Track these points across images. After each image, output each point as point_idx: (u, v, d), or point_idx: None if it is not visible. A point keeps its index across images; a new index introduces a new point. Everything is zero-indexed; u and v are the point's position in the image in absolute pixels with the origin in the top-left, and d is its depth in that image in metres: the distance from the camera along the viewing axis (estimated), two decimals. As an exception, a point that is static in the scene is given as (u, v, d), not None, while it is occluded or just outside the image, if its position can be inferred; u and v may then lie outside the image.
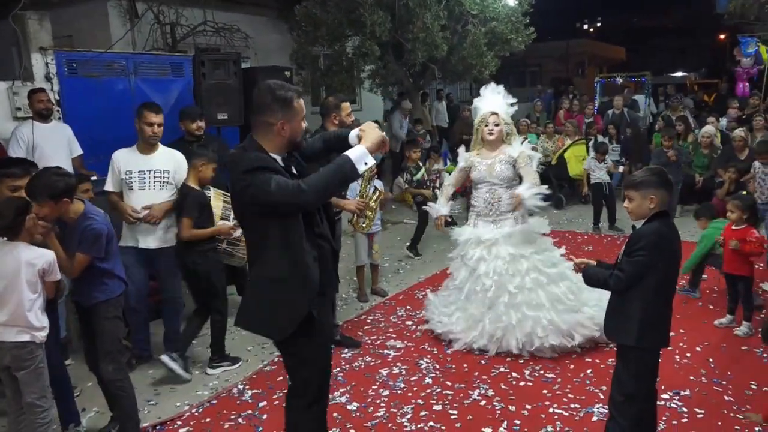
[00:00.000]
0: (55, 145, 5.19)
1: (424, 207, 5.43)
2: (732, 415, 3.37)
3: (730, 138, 7.97)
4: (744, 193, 5.35)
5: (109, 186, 4.09)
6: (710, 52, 30.00)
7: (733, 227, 4.49)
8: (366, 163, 2.37)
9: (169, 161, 4.14)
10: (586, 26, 40.74)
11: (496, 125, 4.31)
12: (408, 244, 6.97)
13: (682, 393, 3.61)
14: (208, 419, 3.54)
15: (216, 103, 5.75)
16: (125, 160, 4.05)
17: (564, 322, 4.07)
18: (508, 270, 4.15)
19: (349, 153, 2.36)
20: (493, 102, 4.42)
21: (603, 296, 4.07)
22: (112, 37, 7.74)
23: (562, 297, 4.16)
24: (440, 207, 4.55)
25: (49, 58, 5.89)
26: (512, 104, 4.48)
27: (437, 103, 13.38)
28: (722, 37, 24.18)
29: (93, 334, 3.20)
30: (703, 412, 3.41)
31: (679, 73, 24.85)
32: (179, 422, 3.52)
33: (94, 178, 4.75)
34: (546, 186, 4.36)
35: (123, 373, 3.25)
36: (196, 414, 3.61)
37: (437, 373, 4.00)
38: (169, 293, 4.27)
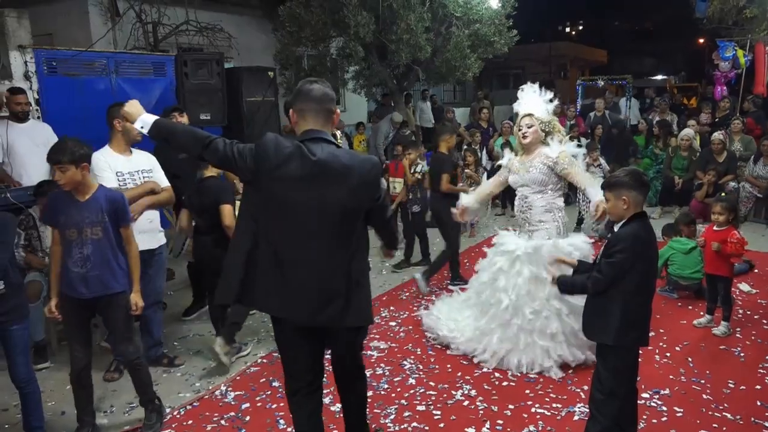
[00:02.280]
0: (32, 145, 5.08)
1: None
2: (710, 413, 3.42)
3: (709, 141, 8.10)
4: (723, 194, 5.46)
5: (112, 183, 3.76)
6: (690, 56, 30.45)
7: (715, 228, 4.56)
8: None
9: (148, 160, 4.02)
10: (568, 29, 41.15)
11: (530, 127, 4.04)
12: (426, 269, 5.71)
13: (662, 392, 3.66)
14: (190, 421, 3.51)
15: (199, 104, 5.73)
16: (113, 161, 3.83)
17: (573, 356, 3.86)
18: (528, 292, 3.87)
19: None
20: (529, 102, 4.17)
21: None
22: (93, 35, 7.67)
23: (579, 332, 3.60)
24: (467, 198, 4.42)
25: (28, 57, 5.82)
26: (551, 100, 4.19)
27: (422, 103, 13.42)
28: (701, 41, 24.53)
29: (87, 328, 3.29)
30: (682, 410, 3.45)
31: (659, 77, 25.20)
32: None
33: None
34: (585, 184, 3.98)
35: (139, 350, 3.46)
36: (178, 416, 3.58)
37: (421, 373, 4.01)
38: (157, 296, 4.17)
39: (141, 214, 3.87)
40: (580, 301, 3.73)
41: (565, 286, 2.84)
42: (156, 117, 2.62)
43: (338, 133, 6.76)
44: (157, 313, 4.19)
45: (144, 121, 2.58)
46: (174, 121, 2.62)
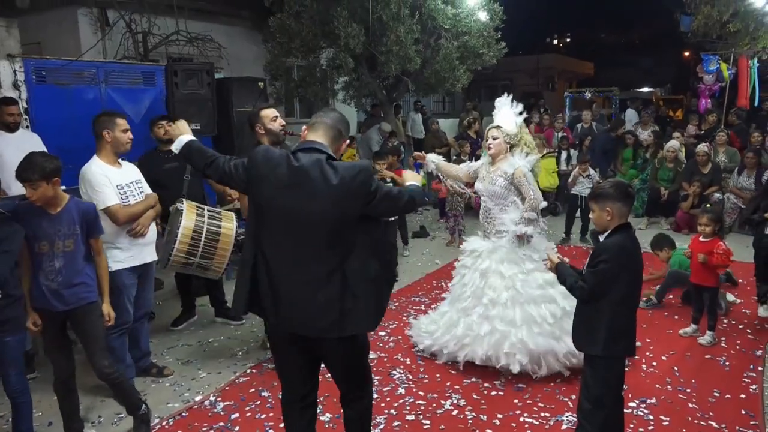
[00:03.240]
0: (21, 155, 5.00)
1: None
2: (696, 422, 3.46)
3: (694, 153, 8.22)
4: (709, 206, 5.54)
5: (114, 199, 3.67)
6: (675, 69, 30.88)
7: (701, 239, 4.62)
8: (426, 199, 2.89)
9: (136, 171, 4.01)
10: (556, 41, 41.64)
11: (495, 139, 4.20)
12: None
13: (648, 401, 3.69)
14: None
15: (188, 113, 5.70)
16: (110, 174, 3.73)
17: (536, 344, 3.92)
18: (482, 283, 4.14)
19: (414, 182, 2.75)
20: (500, 115, 4.33)
21: None
22: (83, 45, 7.66)
23: (539, 319, 3.99)
24: (435, 156, 4.67)
25: (17, 66, 5.79)
26: (520, 113, 4.32)
27: (413, 114, 13.50)
28: (686, 54, 24.91)
29: (65, 342, 3.25)
30: (668, 419, 3.49)
31: (645, 89, 25.52)
32: (149, 435, 3.47)
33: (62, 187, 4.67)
34: (544, 202, 4.23)
35: (115, 362, 3.38)
36: (167, 426, 3.56)
37: (410, 383, 4.03)
38: (147, 306, 4.15)
39: (149, 227, 3.89)
40: (536, 291, 4.04)
41: (560, 274, 2.87)
42: (191, 137, 2.75)
43: None
44: (144, 324, 4.18)
45: (180, 141, 2.72)
46: (199, 144, 2.70)
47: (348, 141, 2.65)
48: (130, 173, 3.92)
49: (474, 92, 18.34)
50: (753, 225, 4.92)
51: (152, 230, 3.97)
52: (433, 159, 4.62)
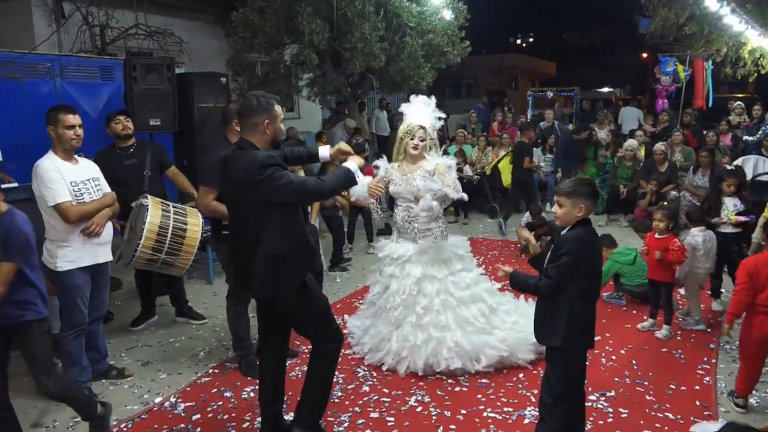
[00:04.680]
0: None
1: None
2: (653, 414, 3.54)
3: (652, 152, 8.42)
4: (665, 203, 5.68)
5: (65, 196, 3.53)
6: (634, 70, 31.64)
7: (656, 236, 4.74)
8: (359, 176, 3.07)
9: (93, 167, 3.88)
10: (519, 41, 42.20)
11: (422, 140, 4.12)
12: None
13: (607, 394, 3.77)
14: (137, 435, 3.42)
15: (149, 109, 5.61)
16: (64, 170, 3.60)
17: (470, 343, 4.00)
18: (416, 290, 4.06)
19: (349, 165, 3.04)
20: (423, 114, 4.25)
21: (520, 320, 4.23)
22: (37, 37, 7.42)
23: (471, 319, 4.07)
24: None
25: (-33, 58, 5.58)
26: (440, 119, 4.35)
27: (378, 111, 13.49)
28: (644, 55, 25.55)
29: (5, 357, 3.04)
30: (627, 411, 3.57)
31: (605, 89, 26.07)
32: (107, 439, 3.38)
33: (14, 184, 4.51)
34: (465, 195, 4.16)
35: (61, 379, 3.24)
36: (126, 429, 3.47)
37: (374, 380, 4.02)
38: (103, 308, 4.02)
39: (104, 226, 3.77)
40: (466, 292, 4.10)
41: (517, 282, 2.89)
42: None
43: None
44: (100, 326, 4.06)
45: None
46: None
47: (267, 123, 2.92)
48: (86, 170, 3.79)
49: (439, 90, 18.48)
50: (707, 224, 5.07)
51: (108, 230, 3.84)
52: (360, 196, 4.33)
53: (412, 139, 4.13)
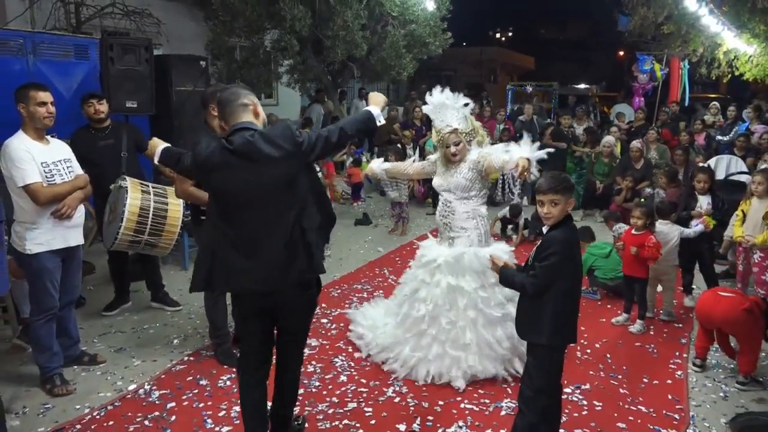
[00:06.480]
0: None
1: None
2: (627, 407, 3.60)
3: (628, 149, 8.54)
4: (643, 200, 5.76)
5: (35, 177, 3.43)
6: (610, 67, 31.98)
7: (633, 232, 4.80)
8: (380, 120, 2.90)
9: (66, 149, 3.77)
10: (498, 35, 42.34)
11: (457, 144, 3.85)
12: None
13: (582, 387, 3.82)
14: (111, 422, 3.35)
15: (125, 90, 5.46)
16: (34, 150, 3.48)
17: (483, 371, 3.78)
18: (443, 302, 3.81)
19: (371, 109, 2.87)
20: (448, 114, 3.92)
21: None
22: (8, 13, 7.20)
23: (494, 344, 3.78)
24: (377, 162, 4.42)
25: (-66, 32, 5.38)
26: (466, 104, 3.96)
27: (357, 101, 13.43)
28: (621, 53, 25.84)
29: None
30: (601, 404, 3.62)
31: (582, 85, 26.34)
32: (78, 426, 3.31)
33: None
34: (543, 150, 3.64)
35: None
36: (98, 417, 3.41)
37: (352, 371, 4.01)
38: (74, 292, 3.91)
39: (76, 209, 3.66)
40: (497, 311, 3.81)
41: (505, 278, 2.89)
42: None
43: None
44: (72, 311, 3.96)
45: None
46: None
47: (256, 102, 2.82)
48: (58, 151, 3.68)
49: (419, 81, 18.46)
50: (680, 221, 5.16)
51: (80, 212, 3.74)
52: (376, 170, 4.35)
53: (447, 147, 3.89)
